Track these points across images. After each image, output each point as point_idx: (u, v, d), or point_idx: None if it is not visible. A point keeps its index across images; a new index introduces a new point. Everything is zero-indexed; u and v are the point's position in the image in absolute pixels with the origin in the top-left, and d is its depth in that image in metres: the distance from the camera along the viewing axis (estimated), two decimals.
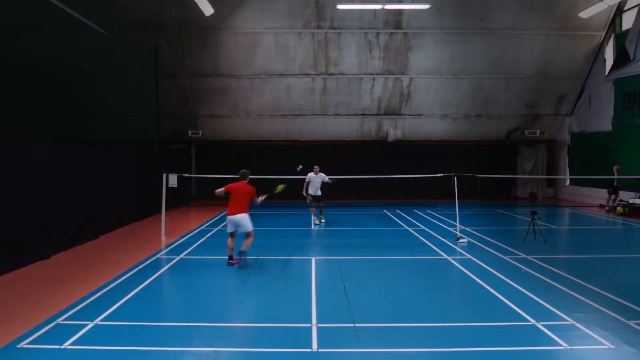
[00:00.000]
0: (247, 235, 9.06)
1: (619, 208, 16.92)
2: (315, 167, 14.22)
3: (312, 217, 14.49)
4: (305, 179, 14.11)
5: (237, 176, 9.30)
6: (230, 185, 9.08)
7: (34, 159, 9.39)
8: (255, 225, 9.20)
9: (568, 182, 22.28)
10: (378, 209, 18.00)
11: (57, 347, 5.27)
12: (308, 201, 14.37)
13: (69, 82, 11.56)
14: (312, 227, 14.08)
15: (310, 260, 9.52)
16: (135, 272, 8.56)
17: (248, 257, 9.12)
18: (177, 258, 9.81)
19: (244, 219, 8.92)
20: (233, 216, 8.88)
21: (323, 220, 14.77)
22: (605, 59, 19.38)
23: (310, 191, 14.10)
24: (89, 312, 6.38)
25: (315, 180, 14.06)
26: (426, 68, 19.97)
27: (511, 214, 17.23)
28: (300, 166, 13.58)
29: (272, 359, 5.09)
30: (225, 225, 9.45)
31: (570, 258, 10.52)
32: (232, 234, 9.08)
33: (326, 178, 14.16)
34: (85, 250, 10.52)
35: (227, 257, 9.13)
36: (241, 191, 8.99)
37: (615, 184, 17.26)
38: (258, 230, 13.06)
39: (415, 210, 17.45)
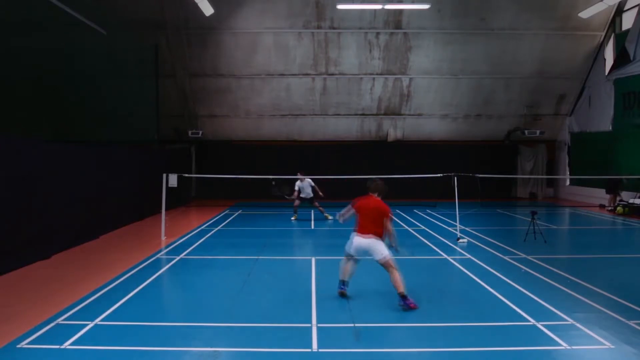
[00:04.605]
0: (385, 267, 6.68)
1: (618, 208, 16.92)
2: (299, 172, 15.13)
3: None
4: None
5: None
6: (358, 202, 7.11)
7: (33, 159, 9.38)
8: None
9: (568, 182, 22.29)
10: None
11: (57, 347, 5.26)
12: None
13: (69, 82, 11.55)
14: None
15: (310, 260, 9.51)
16: (135, 272, 8.55)
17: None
18: (177, 258, 9.80)
19: (374, 245, 6.70)
20: (361, 237, 6.79)
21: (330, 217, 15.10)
22: (605, 59, 19.38)
23: (303, 195, 15.05)
24: (89, 312, 6.36)
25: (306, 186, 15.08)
26: (426, 68, 19.97)
27: (511, 214, 17.22)
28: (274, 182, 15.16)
29: (272, 359, 5.08)
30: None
31: (570, 258, 10.52)
32: (350, 257, 7.03)
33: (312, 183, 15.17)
34: (85, 250, 10.50)
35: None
36: (369, 209, 6.90)
37: (625, 182, 17.25)
38: (258, 230, 13.12)
39: (415, 210, 17.43)
